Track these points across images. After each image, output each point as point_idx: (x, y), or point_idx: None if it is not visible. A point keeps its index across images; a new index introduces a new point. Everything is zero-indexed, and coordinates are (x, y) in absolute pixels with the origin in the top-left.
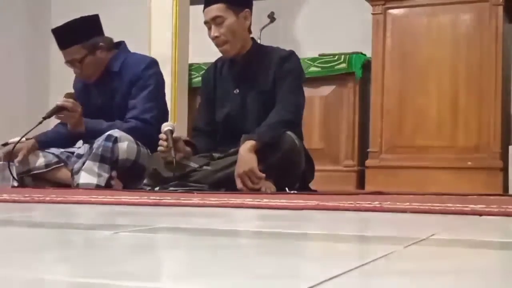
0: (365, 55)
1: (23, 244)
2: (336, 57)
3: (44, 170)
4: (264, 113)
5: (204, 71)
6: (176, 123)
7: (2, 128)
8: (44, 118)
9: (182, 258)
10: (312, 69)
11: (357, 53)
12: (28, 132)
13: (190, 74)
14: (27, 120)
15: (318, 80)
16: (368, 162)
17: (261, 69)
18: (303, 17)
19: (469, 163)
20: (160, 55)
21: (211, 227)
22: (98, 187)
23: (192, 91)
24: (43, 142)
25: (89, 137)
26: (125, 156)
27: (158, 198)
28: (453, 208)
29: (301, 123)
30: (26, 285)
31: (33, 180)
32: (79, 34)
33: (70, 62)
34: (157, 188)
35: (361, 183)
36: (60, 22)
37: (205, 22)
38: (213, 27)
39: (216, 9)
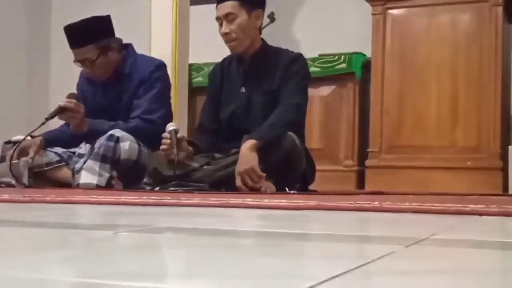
0: (365, 55)
1: (23, 244)
2: (336, 57)
3: (45, 168)
4: (269, 113)
5: (211, 68)
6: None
7: (2, 128)
8: (47, 119)
9: (182, 258)
10: (312, 69)
11: (357, 53)
12: (31, 132)
13: (190, 74)
14: (27, 120)
15: (318, 80)
16: (368, 162)
17: (268, 69)
18: (303, 17)
19: (469, 163)
20: (160, 55)
21: (211, 227)
22: (98, 187)
23: (192, 91)
24: (49, 141)
25: (92, 137)
26: (126, 156)
27: (158, 198)
28: (453, 208)
29: (303, 125)
30: (26, 285)
31: (33, 179)
32: (93, 34)
33: (81, 62)
34: (157, 188)
35: (361, 183)
36: (60, 22)
37: (217, 18)
38: (224, 23)
39: (229, 6)
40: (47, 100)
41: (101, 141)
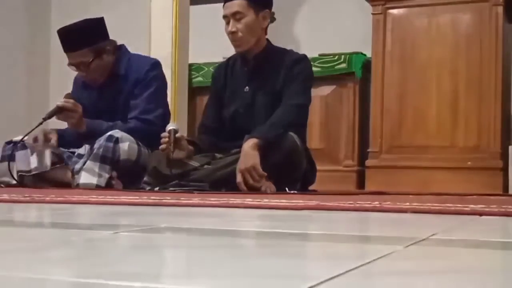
0: (365, 55)
1: (23, 244)
2: (336, 57)
3: (45, 169)
4: (271, 113)
5: (215, 67)
6: (175, 123)
7: (2, 128)
8: (44, 119)
9: (182, 258)
10: (312, 69)
11: (357, 53)
12: (29, 132)
13: (190, 74)
14: (27, 120)
15: (318, 80)
16: (368, 162)
17: (272, 69)
18: (303, 17)
19: (469, 163)
20: (160, 55)
21: (211, 227)
22: (98, 187)
23: (192, 91)
24: (61, 136)
25: (90, 137)
26: (126, 156)
27: (158, 198)
28: (453, 208)
29: (305, 125)
30: (26, 285)
31: (33, 179)
32: (87, 37)
33: (75, 65)
34: (157, 188)
35: (361, 183)
36: (60, 22)
37: (224, 16)
38: (231, 22)
39: (237, 5)
40: (47, 100)
41: (101, 141)
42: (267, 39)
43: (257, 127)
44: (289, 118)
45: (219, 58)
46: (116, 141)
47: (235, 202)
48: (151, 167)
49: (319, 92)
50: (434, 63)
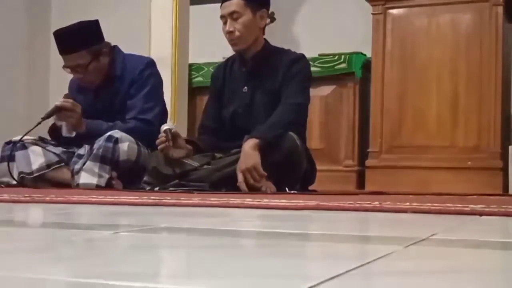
0: (365, 55)
1: (23, 244)
2: (336, 57)
3: (46, 170)
4: (270, 112)
5: (214, 68)
6: (176, 123)
7: (2, 128)
8: (43, 119)
9: (182, 258)
10: (312, 69)
11: (357, 53)
12: (27, 133)
13: (190, 74)
14: (27, 120)
15: (318, 80)
16: (368, 162)
17: (271, 69)
18: (303, 17)
19: (469, 163)
20: (160, 55)
21: (211, 227)
22: (98, 187)
23: (192, 91)
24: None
25: (90, 138)
26: (125, 157)
27: (158, 198)
28: (453, 208)
29: (305, 125)
30: (26, 285)
31: (33, 179)
32: (85, 39)
33: (72, 68)
34: (157, 188)
35: (361, 183)
36: (60, 22)
37: (221, 16)
38: (229, 21)
39: (234, 5)
40: (47, 100)
41: (100, 142)
42: (265, 39)
43: (257, 127)
44: (288, 118)
45: (219, 58)
46: (116, 141)
47: (235, 202)
48: (151, 167)
49: (319, 92)
50: (434, 63)
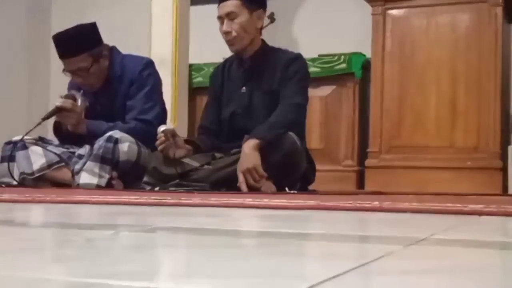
0: (365, 55)
1: (23, 244)
2: (336, 57)
3: (47, 170)
4: (269, 112)
5: (212, 69)
6: (176, 123)
7: (2, 128)
8: (43, 119)
9: (182, 258)
10: (312, 69)
11: (357, 53)
12: (27, 133)
13: (190, 74)
14: (27, 120)
15: (318, 80)
16: (368, 162)
17: (268, 69)
18: (303, 17)
19: (469, 163)
20: (160, 55)
21: (211, 227)
22: (98, 187)
23: (192, 91)
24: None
25: (91, 138)
26: (125, 157)
27: (158, 198)
28: (453, 208)
29: (304, 124)
30: (26, 285)
31: (33, 179)
32: (86, 42)
33: (72, 72)
34: (157, 188)
35: (361, 183)
36: (60, 23)
37: (219, 17)
38: (225, 21)
39: (231, 5)
40: (47, 100)
41: (100, 142)
42: (262, 40)
43: (257, 128)
44: (288, 118)
45: (219, 58)
46: (116, 141)
47: (235, 202)
48: (151, 167)
49: (319, 92)
50: (434, 63)
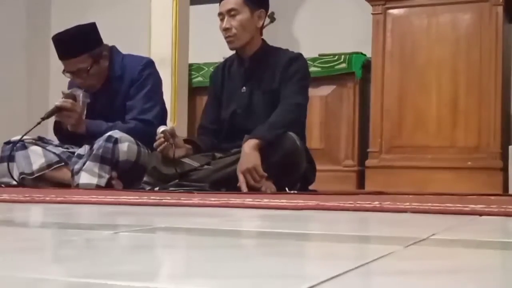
0: (365, 55)
1: (23, 244)
2: (336, 57)
3: (47, 170)
4: (269, 112)
5: (212, 69)
6: (175, 123)
7: (2, 128)
8: (43, 119)
9: (182, 258)
10: (312, 69)
11: (357, 53)
12: (27, 133)
13: (190, 74)
14: (27, 120)
15: (318, 80)
16: (368, 162)
17: (268, 69)
18: (303, 17)
19: (469, 163)
20: (160, 55)
21: (211, 227)
22: (98, 187)
23: (192, 91)
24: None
25: (90, 138)
26: (125, 157)
27: (158, 198)
28: (453, 208)
29: (304, 124)
30: (26, 285)
31: (33, 179)
32: (84, 43)
33: (73, 73)
34: (157, 188)
35: (361, 183)
36: (60, 23)
37: (219, 14)
38: (226, 18)
39: (233, 2)
40: (47, 100)
41: (100, 142)
42: (263, 39)
43: (257, 127)
44: (288, 118)
45: (219, 58)
46: (116, 141)
47: (235, 202)
48: (151, 167)
49: (319, 92)
50: (434, 63)
